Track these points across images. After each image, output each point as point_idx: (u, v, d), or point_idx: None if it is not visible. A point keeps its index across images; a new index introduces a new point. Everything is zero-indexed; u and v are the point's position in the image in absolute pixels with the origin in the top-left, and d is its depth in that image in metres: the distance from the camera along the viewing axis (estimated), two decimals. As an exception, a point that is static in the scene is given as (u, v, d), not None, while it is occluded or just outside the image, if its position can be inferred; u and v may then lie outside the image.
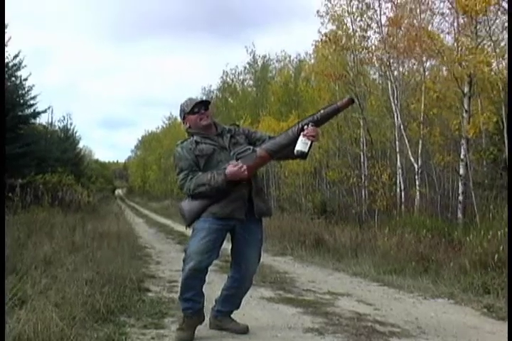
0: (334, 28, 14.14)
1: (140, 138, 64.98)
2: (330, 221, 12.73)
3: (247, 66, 24.45)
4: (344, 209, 14.81)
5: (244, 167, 3.59)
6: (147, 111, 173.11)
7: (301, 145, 3.61)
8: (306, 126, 3.63)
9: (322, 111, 3.71)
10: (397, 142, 12.93)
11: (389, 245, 8.49)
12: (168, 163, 38.52)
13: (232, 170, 3.57)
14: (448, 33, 11.62)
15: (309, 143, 3.60)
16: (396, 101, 12.78)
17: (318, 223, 12.46)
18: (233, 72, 25.03)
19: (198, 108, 3.75)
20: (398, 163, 12.83)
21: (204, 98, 4.01)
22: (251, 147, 3.74)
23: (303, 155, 3.65)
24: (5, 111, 12.62)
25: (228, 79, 25.26)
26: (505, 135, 9.88)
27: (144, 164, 55.05)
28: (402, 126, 12.56)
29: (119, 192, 75.90)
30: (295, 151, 3.62)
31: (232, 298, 3.96)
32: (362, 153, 14.55)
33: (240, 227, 3.74)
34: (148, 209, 32.88)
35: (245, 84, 24.63)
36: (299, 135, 3.62)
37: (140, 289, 5.46)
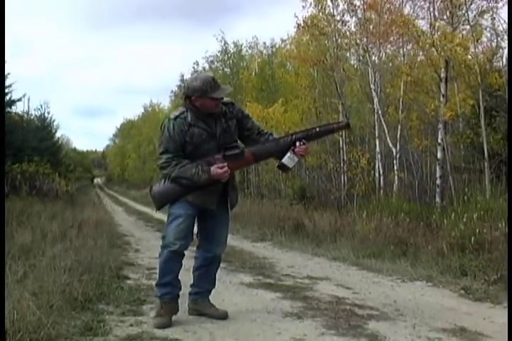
0: (314, 11, 14.05)
1: (119, 127, 64.67)
2: (309, 206, 12.76)
3: (219, 54, 24.22)
4: (323, 194, 14.87)
5: (229, 171, 3.61)
6: (125, 99, 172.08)
7: (288, 160, 3.63)
8: (298, 143, 3.63)
9: (317, 129, 3.77)
10: (376, 127, 12.96)
11: (367, 229, 8.54)
12: (147, 150, 38.35)
13: (218, 172, 3.58)
14: (423, 18, 11.65)
15: (296, 160, 3.63)
16: (375, 87, 12.80)
17: (297, 209, 12.49)
18: (205, 60, 24.80)
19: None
20: (377, 148, 12.87)
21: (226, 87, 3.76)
22: (239, 145, 3.75)
23: (285, 169, 3.69)
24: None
25: (200, 68, 25.02)
26: (482, 121, 9.96)
27: (123, 152, 54.68)
28: (380, 111, 12.59)
29: (98, 180, 75.44)
30: (279, 164, 3.66)
31: (206, 276, 3.97)
32: (341, 139, 14.57)
33: (211, 211, 3.78)
34: (128, 198, 32.77)
35: (220, 72, 24.42)
36: (289, 148, 3.64)
37: (119, 277, 5.43)
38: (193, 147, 3.66)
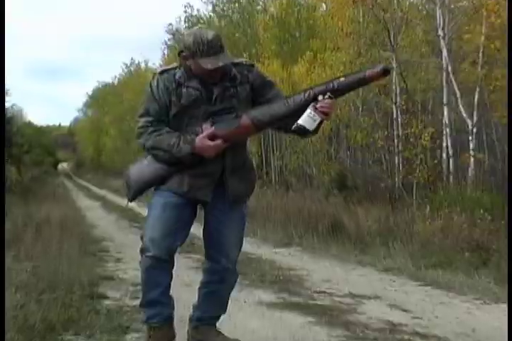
0: None
1: (91, 93, 64.87)
2: (351, 199, 12.80)
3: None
4: (370, 183, 14.86)
5: (221, 144, 3.56)
6: (98, 55, 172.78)
7: (307, 120, 3.51)
8: (321, 97, 3.55)
9: (343, 79, 3.58)
10: (444, 90, 12.86)
11: (432, 230, 8.57)
12: (131, 125, 38.27)
13: (206, 143, 3.55)
14: None
15: (319, 120, 3.50)
16: (443, 34, 12.65)
17: (335, 202, 12.58)
18: (206, 2, 24.73)
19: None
20: (445, 119, 12.79)
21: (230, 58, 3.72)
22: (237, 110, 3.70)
23: (304, 133, 3.57)
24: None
25: (195, 13, 25.01)
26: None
27: (98, 128, 55.00)
28: (450, 68, 12.47)
29: (63, 166, 76.33)
30: (295, 125, 3.51)
31: (214, 297, 3.93)
32: (394, 107, 14.50)
33: (212, 206, 3.76)
34: (106, 189, 32.99)
35: (227, 18, 24.39)
36: (306, 107, 3.53)
37: (93, 296, 5.45)
38: (177, 110, 3.66)
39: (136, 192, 3.75)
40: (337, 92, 3.58)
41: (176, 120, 3.67)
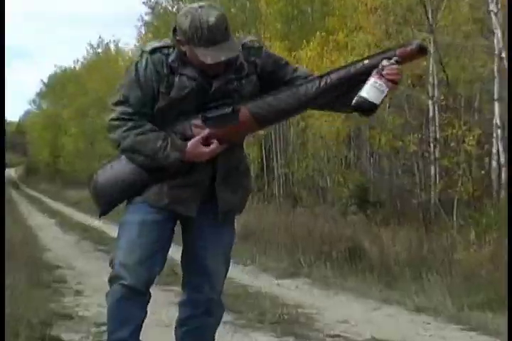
0: None
1: (46, 80, 65.10)
2: (374, 218, 12.80)
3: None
4: (399, 198, 14.85)
5: (218, 149, 3.54)
6: (55, 32, 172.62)
7: (373, 91, 3.42)
8: (385, 61, 3.46)
9: (367, 62, 3.56)
10: (495, 81, 12.85)
11: (478, 260, 8.57)
12: (97, 121, 38.15)
13: (200, 151, 3.54)
14: None
15: (386, 90, 3.43)
16: (496, 9, 12.62)
17: (354, 222, 12.60)
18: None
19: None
20: (496, 119, 12.78)
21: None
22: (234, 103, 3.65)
23: (369, 108, 3.49)
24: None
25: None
26: None
27: (55, 125, 55.18)
28: (504, 54, 12.45)
29: (10, 173, 76.17)
30: (357, 99, 3.44)
31: (199, 335, 3.88)
32: (431, 102, 14.50)
33: (196, 220, 3.72)
34: (64, 202, 33.13)
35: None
36: (323, 93, 3.52)
37: (45, 339, 5.41)
38: (165, 104, 3.61)
39: (108, 204, 3.70)
40: (354, 80, 3.54)
41: (161, 115, 3.62)
